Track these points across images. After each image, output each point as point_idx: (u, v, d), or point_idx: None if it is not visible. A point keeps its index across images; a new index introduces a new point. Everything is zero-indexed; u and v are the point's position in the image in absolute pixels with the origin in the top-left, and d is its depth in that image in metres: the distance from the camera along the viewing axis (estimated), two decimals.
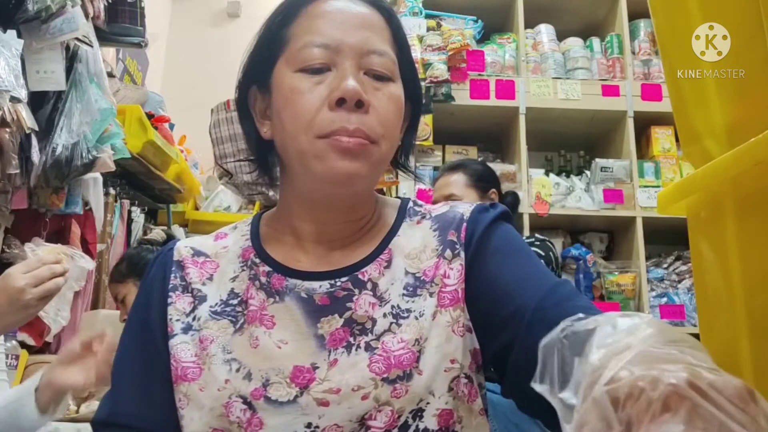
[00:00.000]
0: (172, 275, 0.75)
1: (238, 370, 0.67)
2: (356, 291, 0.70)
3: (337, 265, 0.72)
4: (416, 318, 0.68)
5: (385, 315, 0.68)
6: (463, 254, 0.70)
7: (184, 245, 0.78)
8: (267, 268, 0.73)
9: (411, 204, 0.79)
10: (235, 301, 0.72)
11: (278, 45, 0.71)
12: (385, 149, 0.69)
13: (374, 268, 0.71)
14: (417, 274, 0.71)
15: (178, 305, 0.73)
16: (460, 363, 0.66)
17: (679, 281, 2.75)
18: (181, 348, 0.71)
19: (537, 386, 0.41)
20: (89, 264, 1.13)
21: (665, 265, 2.83)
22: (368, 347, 0.66)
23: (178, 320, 0.72)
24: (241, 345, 0.69)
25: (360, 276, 0.71)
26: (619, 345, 0.38)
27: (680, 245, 2.85)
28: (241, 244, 0.77)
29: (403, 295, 0.69)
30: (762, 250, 0.50)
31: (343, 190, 0.69)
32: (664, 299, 2.69)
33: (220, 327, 0.71)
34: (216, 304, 0.73)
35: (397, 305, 0.69)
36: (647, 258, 2.72)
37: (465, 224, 0.72)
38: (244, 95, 0.76)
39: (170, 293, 0.74)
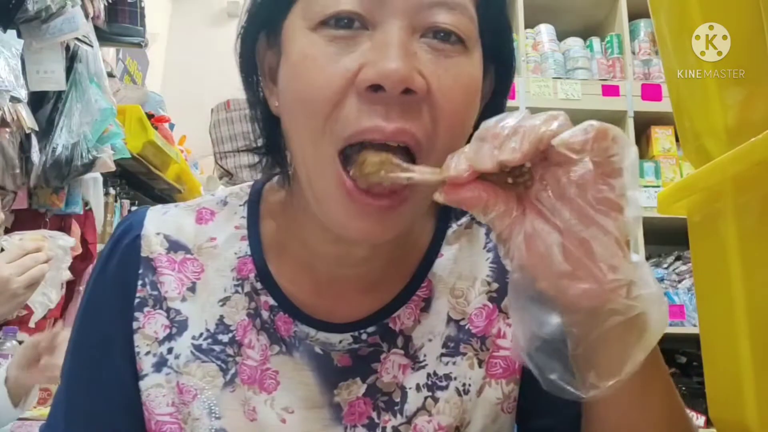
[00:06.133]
0: (140, 282, 0.55)
1: None
2: (384, 347, 0.55)
3: (360, 307, 0.55)
4: (458, 392, 0.54)
5: (419, 387, 0.54)
6: None
7: (155, 231, 0.56)
8: (271, 301, 0.55)
9: None
10: (225, 338, 0.55)
11: None
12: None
13: (408, 314, 0.55)
14: (461, 323, 0.55)
15: (148, 330, 0.55)
16: None
17: (679, 281, 2.75)
18: (155, 394, 0.54)
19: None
20: (69, 242, 1.16)
21: (665, 265, 2.83)
22: None
23: (148, 353, 0.55)
24: (233, 409, 0.54)
25: (390, 324, 0.55)
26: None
27: (680, 245, 2.85)
28: (234, 247, 0.57)
29: (442, 355, 0.55)
30: (762, 250, 0.50)
31: (359, 249, 0.53)
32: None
33: (205, 374, 0.54)
34: (200, 335, 0.55)
35: (434, 372, 0.54)
36: (647, 258, 2.72)
37: None
38: (250, 46, 0.53)
39: (136, 312, 0.55)
